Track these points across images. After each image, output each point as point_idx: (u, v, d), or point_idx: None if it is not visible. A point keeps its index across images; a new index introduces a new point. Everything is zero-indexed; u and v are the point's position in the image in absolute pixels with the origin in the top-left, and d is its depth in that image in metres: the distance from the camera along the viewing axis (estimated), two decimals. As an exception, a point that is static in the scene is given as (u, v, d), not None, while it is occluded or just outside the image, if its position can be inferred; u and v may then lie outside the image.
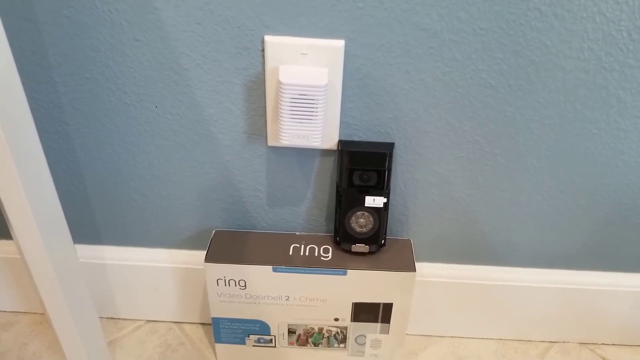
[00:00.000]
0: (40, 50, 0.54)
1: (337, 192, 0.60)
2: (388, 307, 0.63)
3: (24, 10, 0.52)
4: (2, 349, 0.71)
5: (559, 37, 0.51)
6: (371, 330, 0.65)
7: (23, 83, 0.55)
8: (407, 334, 0.75)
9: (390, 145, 0.58)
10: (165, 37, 0.53)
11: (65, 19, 0.52)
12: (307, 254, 0.62)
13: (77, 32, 0.53)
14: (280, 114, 0.53)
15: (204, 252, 0.62)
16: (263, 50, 0.53)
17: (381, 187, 0.58)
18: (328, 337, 0.67)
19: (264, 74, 0.54)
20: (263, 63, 0.54)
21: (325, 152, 0.60)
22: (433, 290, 0.69)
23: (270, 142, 0.59)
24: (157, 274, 0.70)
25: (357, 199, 0.59)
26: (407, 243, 0.65)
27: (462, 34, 0.51)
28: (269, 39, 0.52)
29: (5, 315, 0.75)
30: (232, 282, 0.62)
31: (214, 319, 0.65)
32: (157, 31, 0.52)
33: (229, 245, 0.63)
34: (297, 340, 0.67)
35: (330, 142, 0.58)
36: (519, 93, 0.55)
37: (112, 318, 0.75)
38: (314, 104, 0.52)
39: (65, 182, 0.63)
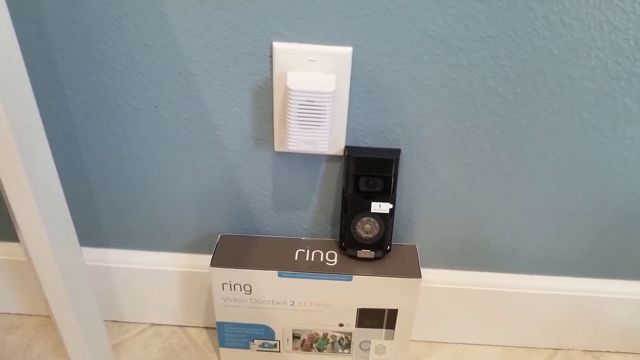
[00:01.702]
0: (50, 54, 0.54)
1: (343, 197, 0.60)
2: (393, 313, 0.63)
3: (34, 15, 0.52)
4: (7, 351, 0.71)
5: (566, 45, 0.51)
6: (376, 336, 0.65)
7: (32, 86, 0.55)
8: (412, 340, 0.75)
9: (397, 152, 0.58)
10: (174, 42, 0.53)
11: (74, 24, 0.52)
12: (312, 259, 0.62)
13: (86, 36, 0.53)
14: (288, 120, 0.53)
15: (209, 256, 0.62)
16: (271, 56, 0.53)
17: (387, 193, 0.59)
18: (332, 343, 0.67)
19: (271, 80, 0.54)
20: (271, 69, 0.54)
21: (332, 158, 0.60)
22: (438, 296, 0.69)
23: (277, 148, 0.59)
24: (162, 278, 0.70)
25: (363, 205, 0.59)
26: (413, 249, 0.65)
27: (469, 41, 0.52)
28: (277, 45, 0.52)
29: (10, 318, 0.76)
30: (237, 287, 0.62)
31: (218, 323, 0.65)
32: (166, 36, 0.53)
33: (234, 250, 0.63)
34: (302, 345, 0.67)
35: (337, 148, 0.58)
36: (525, 100, 0.55)
37: (116, 321, 0.75)
38: (321, 110, 0.52)
39: (72, 185, 0.64)
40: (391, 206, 0.59)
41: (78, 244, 0.56)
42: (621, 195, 0.61)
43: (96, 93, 0.57)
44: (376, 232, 0.60)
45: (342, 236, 0.63)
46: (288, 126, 0.53)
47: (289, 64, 0.53)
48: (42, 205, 0.49)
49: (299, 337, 0.66)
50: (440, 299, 0.70)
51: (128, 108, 0.57)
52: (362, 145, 0.59)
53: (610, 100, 0.55)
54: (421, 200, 0.63)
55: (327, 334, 0.66)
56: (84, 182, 0.64)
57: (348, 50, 0.52)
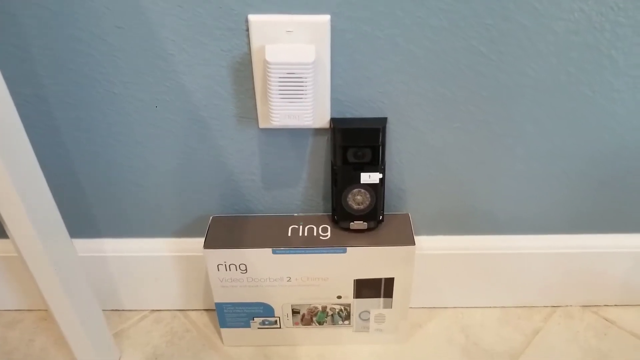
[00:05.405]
0: (22, 44, 0.53)
1: (332, 170, 0.60)
2: (390, 282, 0.63)
3: (2, 4, 0.51)
4: (9, 347, 0.71)
5: (548, -1, 0.50)
6: (374, 305, 0.66)
7: (6, 78, 0.54)
8: (411, 307, 0.75)
9: (383, 120, 0.57)
10: (147, 22, 0.52)
11: (44, 10, 0.51)
12: (305, 234, 0.62)
13: (57, 23, 0.52)
14: (269, 95, 0.52)
15: (203, 239, 0.62)
16: (248, 30, 0.52)
17: (376, 163, 0.58)
18: (332, 315, 0.67)
19: (250, 55, 0.53)
20: (248, 43, 0.53)
21: (318, 131, 0.59)
22: (434, 263, 0.70)
23: (262, 124, 0.58)
24: (158, 264, 0.70)
25: (352, 177, 0.59)
26: (406, 217, 0.64)
27: (449, 1, 0.50)
28: (252, 18, 0.51)
29: (10, 314, 0.76)
30: (232, 267, 0.62)
31: (217, 304, 0.65)
32: (139, 16, 0.51)
33: (227, 231, 0.62)
34: (302, 319, 0.67)
35: (322, 120, 0.57)
36: (510, 59, 0.54)
37: (116, 310, 0.75)
38: (302, 82, 0.51)
39: (59, 177, 0.63)
40: (381, 176, 0.59)
41: (68, 235, 0.55)
42: (612, 149, 0.61)
43: (73, 81, 0.55)
44: (367, 202, 0.60)
45: (334, 209, 0.62)
46: (270, 101, 0.52)
47: (266, 36, 0.51)
48: (27, 200, 0.48)
49: (298, 312, 0.66)
50: (437, 265, 0.70)
51: (107, 94, 0.56)
52: (348, 116, 0.58)
53: (596, 53, 0.54)
54: (411, 168, 0.62)
55: (326, 307, 0.66)
56: (70, 173, 0.63)
57: (326, 18, 0.51)
